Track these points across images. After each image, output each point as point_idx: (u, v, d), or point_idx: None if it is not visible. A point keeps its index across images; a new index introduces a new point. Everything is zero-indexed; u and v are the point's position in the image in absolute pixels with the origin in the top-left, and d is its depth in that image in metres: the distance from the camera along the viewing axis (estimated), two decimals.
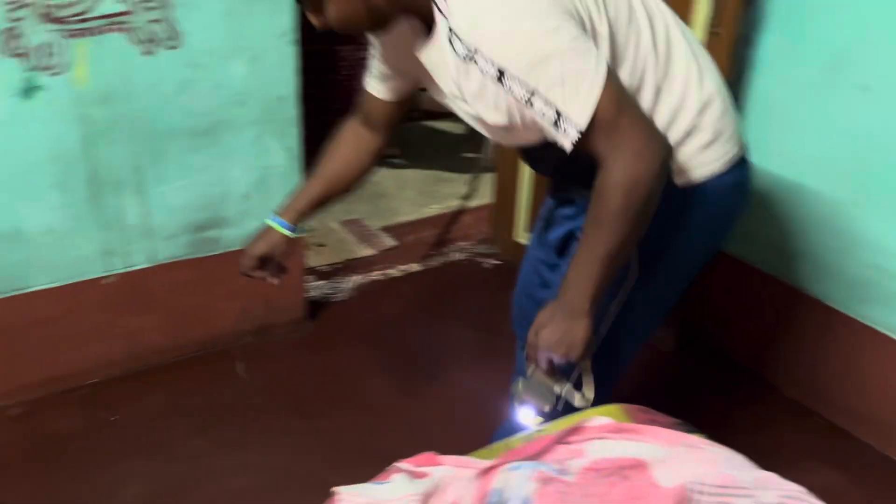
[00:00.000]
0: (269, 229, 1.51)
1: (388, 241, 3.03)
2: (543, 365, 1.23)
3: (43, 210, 1.99)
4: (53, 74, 1.87)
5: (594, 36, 1.14)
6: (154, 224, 2.14)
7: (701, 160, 1.27)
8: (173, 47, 1.98)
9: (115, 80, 1.95)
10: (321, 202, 1.52)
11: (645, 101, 1.21)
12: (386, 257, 2.94)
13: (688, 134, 1.24)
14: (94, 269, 2.10)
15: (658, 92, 1.22)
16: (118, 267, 2.13)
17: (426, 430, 2.04)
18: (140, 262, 2.16)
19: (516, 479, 0.99)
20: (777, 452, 1.22)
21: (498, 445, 1.15)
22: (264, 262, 1.52)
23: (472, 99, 1.17)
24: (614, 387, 1.46)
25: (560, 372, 1.25)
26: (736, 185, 1.34)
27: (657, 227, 1.20)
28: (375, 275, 2.83)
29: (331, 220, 3.09)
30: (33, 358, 2.10)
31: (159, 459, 1.95)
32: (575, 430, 1.08)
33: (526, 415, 1.27)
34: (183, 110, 2.06)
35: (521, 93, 1.09)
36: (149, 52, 1.96)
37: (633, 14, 1.21)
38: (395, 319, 2.59)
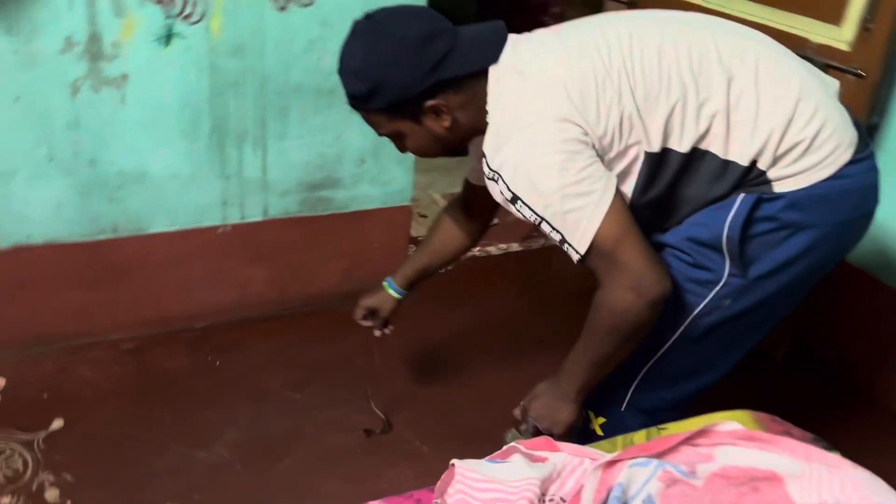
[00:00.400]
0: (381, 288, 1.76)
1: None
2: (530, 430, 1.36)
3: (169, 155, 2.04)
4: (191, 24, 1.91)
5: (620, 124, 1.19)
6: (271, 178, 2.17)
7: (797, 168, 1.21)
8: (307, 4, 1.99)
9: (248, 33, 1.98)
10: (425, 274, 1.76)
11: (716, 145, 1.21)
12: (486, 234, 2.90)
13: (777, 158, 1.21)
14: (211, 217, 2.16)
15: (728, 130, 1.20)
16: (234, 217, 2.18)
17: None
18: (254, 215, 2.21)
19: (641, 476, 0.96)
20: (892, 479, 1.14)
21: (619, 439, 1.12)
22: (372, 314, 1.77)
23: (500, 203, 1.29)
24: (706, 392, 1.43)
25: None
26: (851, 190, 1.24)
27: (758, 239, 1.23)
28: (475, 250, 2.81)
29: (434, 191, 3.07)
30: (148, 297, 2.18)
31: (257, 409, 1.99)
32: (703, 433, 1.04)
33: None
34: (310, 68, 2.07)
35: (531, 216, 1.21)
36: (282, 9, 1.98)
37: (662, 68, 1.19)
38: (491, 297, 2.56)
